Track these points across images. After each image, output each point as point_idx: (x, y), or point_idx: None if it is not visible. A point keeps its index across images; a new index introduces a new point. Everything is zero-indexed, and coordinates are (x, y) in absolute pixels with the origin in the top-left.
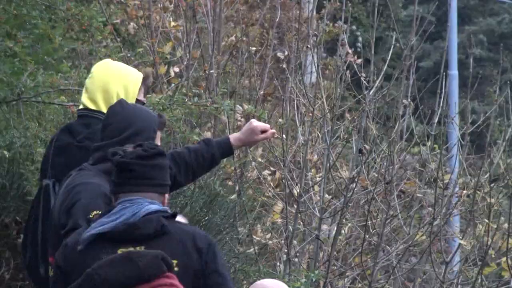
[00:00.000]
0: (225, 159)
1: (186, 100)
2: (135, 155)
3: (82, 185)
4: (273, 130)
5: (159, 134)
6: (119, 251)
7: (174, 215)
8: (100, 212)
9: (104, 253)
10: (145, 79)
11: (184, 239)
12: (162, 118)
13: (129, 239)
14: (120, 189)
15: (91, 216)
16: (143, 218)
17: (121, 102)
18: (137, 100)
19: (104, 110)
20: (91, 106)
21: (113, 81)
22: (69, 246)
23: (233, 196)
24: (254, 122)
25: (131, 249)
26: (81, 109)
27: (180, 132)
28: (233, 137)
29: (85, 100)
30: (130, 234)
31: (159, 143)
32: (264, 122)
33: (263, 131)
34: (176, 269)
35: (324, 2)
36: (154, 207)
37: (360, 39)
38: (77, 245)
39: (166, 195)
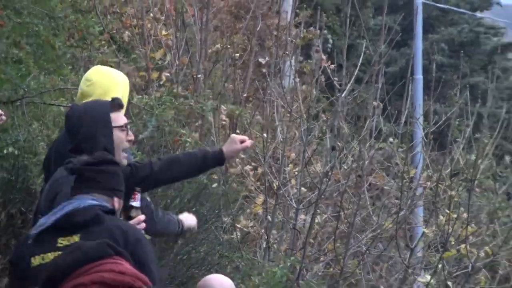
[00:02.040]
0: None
1: (173, 101)
2: (83, 161)
3: (64, 177)
4: (251, 141)
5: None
6: (59, 240)
7: (112, 211)
8: None
9: (46, 243)
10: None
11: (115, 231)
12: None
13: (68, 227)
14: (74, 192)
15: None
16: (81, 208)
17: (72, 108)
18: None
19: None
20: None
21: (115, 89)
22: (20, 240)
23: (215, 185)
24: (233, 135)
25: (69, 237)
26: None
27: (168, 125)
28: (225, 148)
29: None
30: (68, 222)
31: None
32: (246, 121)
33: (242, 141)
34: None
35: (298, 11)
36: (95, 202)
37: (330, 41)
38: (26, 240)
39: (116, 199)
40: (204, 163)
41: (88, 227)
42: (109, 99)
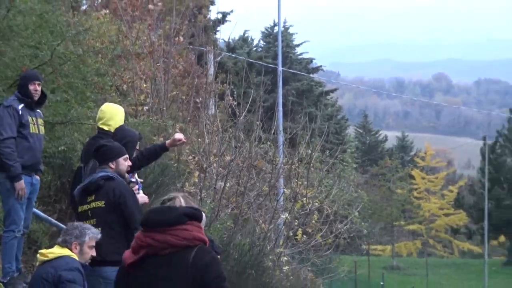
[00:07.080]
0: (168, 151)
1: (150, 121)
2: (95, 148)
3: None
4: (184, 140)
5: (138, 144)
6: (88, 197)
7: (111, 178)
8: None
9: (83, 199)
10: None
11: (109, 190)
12: (141, 135)
13: (90, 190)
14: (100, 164)
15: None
16: (93, 180)
17: (122, 126)
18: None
19: (113, 129)
20: (105, 128)
21: (119, 114)
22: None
23: (173, 162)
24: (176, 135)
25: (90, 196)
26: (99, 129)
27: (146, 136)
28: (167, 142)
29: (101, 124)
30: (89, 188)
31: (138, 147)
32: (189, 131)
33: (179, 140)
34: (103, 206)
35: (218, 74)
36: (102, 174)
37: (235, 92)
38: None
39: (113, 162)
40: (158, 153)
41: (97, 191)
42: (117, 120)
